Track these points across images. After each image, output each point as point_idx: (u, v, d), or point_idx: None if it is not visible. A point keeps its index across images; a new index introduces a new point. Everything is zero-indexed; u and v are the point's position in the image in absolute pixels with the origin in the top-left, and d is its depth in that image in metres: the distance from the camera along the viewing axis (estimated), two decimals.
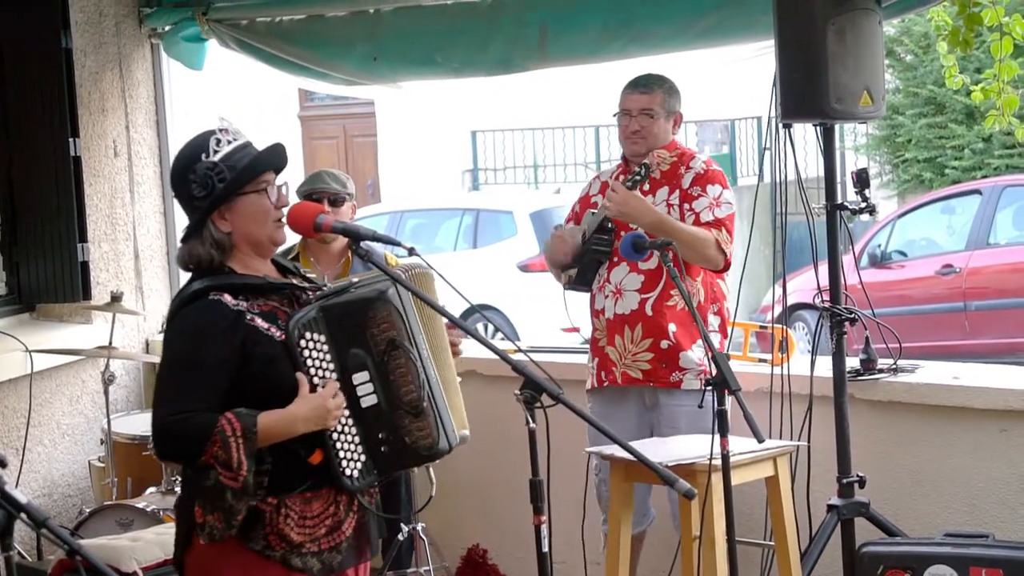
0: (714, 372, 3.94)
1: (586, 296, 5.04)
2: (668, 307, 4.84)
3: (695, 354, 4.83)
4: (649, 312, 4.84)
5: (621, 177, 4.94)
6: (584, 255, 4.92)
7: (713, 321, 4.90)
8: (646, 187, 4.86)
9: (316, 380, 3.20)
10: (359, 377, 3.23)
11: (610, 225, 4.87)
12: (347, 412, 3.23)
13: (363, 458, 3.23)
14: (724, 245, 4.79)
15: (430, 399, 3.25)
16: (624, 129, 4.98)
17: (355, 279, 3.41)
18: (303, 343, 3.20)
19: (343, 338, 3.22)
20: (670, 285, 4.81)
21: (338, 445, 3.21)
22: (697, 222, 4.80)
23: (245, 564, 3.20)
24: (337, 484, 3.23)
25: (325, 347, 3.22)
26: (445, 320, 3.45)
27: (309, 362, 3.20)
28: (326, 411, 3.17)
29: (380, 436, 3.23)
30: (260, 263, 3.33)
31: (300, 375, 3.19)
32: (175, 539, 3.34)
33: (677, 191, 4.88)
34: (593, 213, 4.93)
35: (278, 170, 3.36)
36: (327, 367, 3.22)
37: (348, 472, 3.22)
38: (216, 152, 3.27)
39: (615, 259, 4.89)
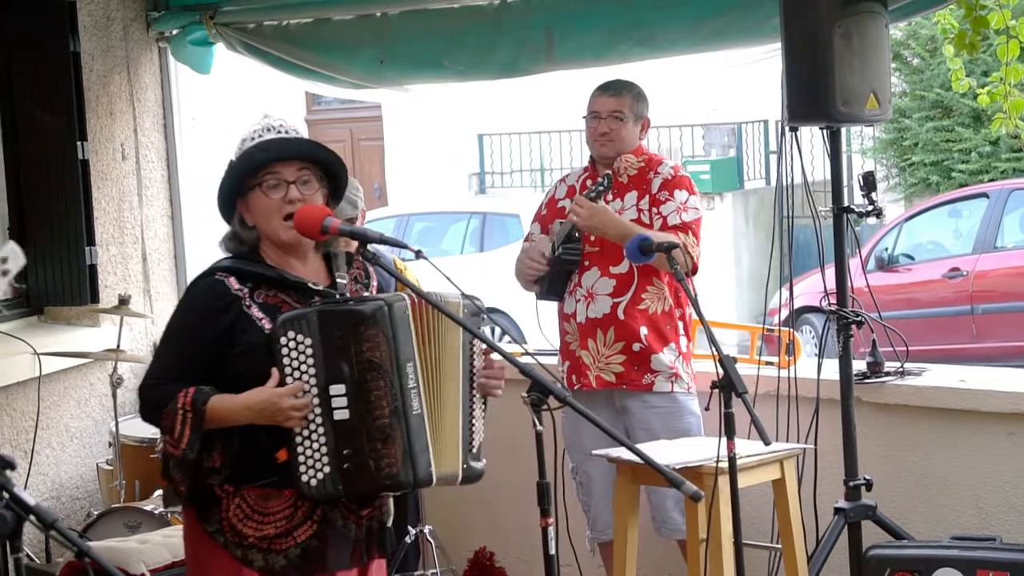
0: (718, 375, 3.94)
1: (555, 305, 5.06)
2: (640, 311, 4.86)
3: (666, 357, 4.87)
4: (621, 316, 4.86)
5: (589, 182, 4.96)
6: (554, 265, 4.95)
7: (679, 325, 4.92)
8: (610, 197, 4.87)
9: (290, 381, 3.19)
10: (336, 389, 3.18)
11: (577, 234, 4.91)
12: (319, 420, 3.19)
13: (327, 469, 3.18)
14: (691, 249, 4.79)
15: (402, 429, 3.18)
16: (593, 131, 5.01)
17: (366, 295, 3.38)
18: (284, 340, 3.18)
19: (330, 347, 3.18)
20: (642, 288, 4.87)
21: (300, 449, 3.19)
22: (664, 226, 4.82)
23: (199, 542, 3.30)
24: (295, 487, 3.21)
25: (310, 350, 3.19)
26: (472, 354, 3.35)
27: (286, 360, 3.18)
28: (276, 408, 3.17)
29: (345, 452, 3.17)
30: (292, 257, 3.33)
31: (274, 369, 3.19)
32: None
33: (647, 196, 4.90)
34: (561, 223, 4.94)
35: (324, 168, 3.33)
36: (306, 369, 3.19)
37: (306, 478, 3.18)
38: (240, 150, 3.33)
39: (586, 263, 4.93)
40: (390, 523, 3.40)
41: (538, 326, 5.09)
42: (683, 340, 4.92)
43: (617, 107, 4.97)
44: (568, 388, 4.95)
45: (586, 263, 4.93)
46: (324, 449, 3.18)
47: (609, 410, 4.94)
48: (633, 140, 5.00)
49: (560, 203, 5.09)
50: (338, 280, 3.38)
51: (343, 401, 3.18)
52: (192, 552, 3.37)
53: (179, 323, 3.34)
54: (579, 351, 4.95)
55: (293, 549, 3.25)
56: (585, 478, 4.99)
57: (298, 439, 3.19)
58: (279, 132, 3.33)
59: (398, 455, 3.17)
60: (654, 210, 4.88)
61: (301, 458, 3.19)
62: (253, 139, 3.32)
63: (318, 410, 3.19)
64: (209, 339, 3.24)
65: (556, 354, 5.29)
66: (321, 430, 3.19)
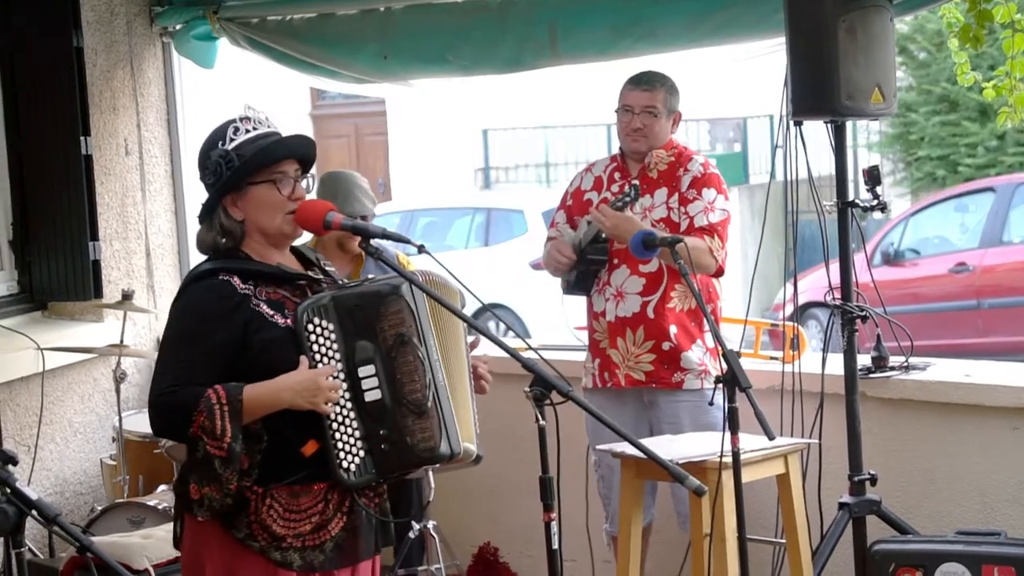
0: (723, 370, 3.93)
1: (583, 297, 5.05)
2: (668, 309, 4.86)
3: (695, 354, 4.87)
4: (651, 315, 4.86)
5: (616, 175, 4.94)
6: (581, 263, 4.94)
7: (704, 321, 4.90)
8: (636, 208, 4.84)
9: (319, 367, 3.18)
10: (365, 370, 3.19)
11: (604, 235, 4.89)
12: (349, 405, 3.19)
13: (362, 453, 3.19)
14: (716, 252, 4.79)
15: (435, 401, 3.20)
16: (625, 126, 4.97)
17: (372, 276, 3.40)
18: (310, 327, 3.18)
19: (352, 329, 3.20)
20: (670, 287, 4.85)
21: (337, 436, 3.18)
22: (691, 226, 4.81)
23: (227, 550, 3.21)
24: (333, 477, 3.19)
25: (333, 335, 3.20)
26: (466, 339, 3.41)
27: (315, 347, 3.19)
28: (316, 387, 3.15)
29: (382, 433, 3.17)
30: (276, 253, 3.33)
31: (303, 357, 3.17)
32: (173, 521, 3.37)
33: (676, 194, 4.89)
34: (589, 222, 4.92)
35: (305, 163, 3.35)
36: (333, 355, 3.20)
37: (345, 466, 3.18)
38: (232, 140, 3.28)
39: (615, 261, 4.91)
40: (432, 498, 3.43)
41: (566, 323, 5.09)
42: (709, 336, 4.89)
43: (650, 102, 4.93)
44: (601, 385, 4.96)
45: (615, 261, 4.92)
46: (358, 434, 3.18)
47: (637, 406, 4.94)
48: (665, 135, 4.98)
49: (586, 195, 5.07)
50: (328, 269, 3.40)
51: (374, 382, 3.19)
52: (210, 560, 3.25)
53: (189, 327, 3.23)
54: (608, 350, 4.94)
55: (328, 543, 3.24)
56: (607, 471, 4.98)
57: (333, 427, 3.18)
58: (269, 127, 3.33)
59: (434, 427, 3.19)
60: (682, 209, 4.87)
61: (339, 444, 3.18)
62: (248, 132, 3.28)
63: (348, 395, 3.19)
64: (224, 340, 3.18)
65: (561, 349, 5.30)
66: (353, 415, 3.19)
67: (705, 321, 4.88)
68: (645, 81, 4.97)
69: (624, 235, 4.76)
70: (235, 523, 3.19)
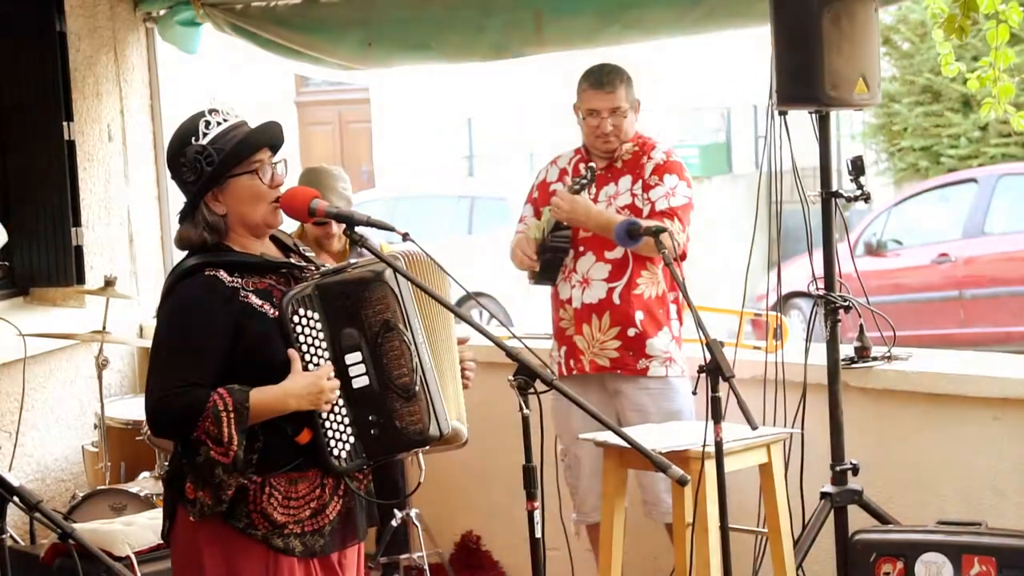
0: (706, 359, 3.93)
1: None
2: (635, 295, 4.87)
3: (660, 341, 4.87)
4: (616, 300, 4.86)
5: (582, 166, 4.94)
6: (545, 251, 4.95)
7: (672, 309, 4.93)
8: (593, 190, 4.86)
9: (308, 357, 3.19)
10: (352, 357, 3.21)
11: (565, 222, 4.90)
12: (338, 392, 3.21)
13: (352, 440, 3.22)
14: (676, 235, 4.77)
15: (423, 384, 3.23)
16: (595, 129, 4.93)
17: (353, 261, 3.41)
18: (296, 319, 3.19)
19: (337, 317, 3.21)
20: (636, 273, 4.87)
21: (327, 425, 3.20)
22: (653, 211, 4.83)
23: (227, 542, 3.20)
24: (324, 465, 3.21)
25: (319, 325, 3.20)
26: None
27: (301, 339, 3.19)
28: (320, 390, 3.17)
29: (371, 419, 3.21)
30: (257, 243, 3.32)
31: (292, 351, 3.18)
32: (163, 515, 3.35)
33: (640, 181, 4.90)
34: (550, 210, 4.93)
35: (274, 148, 3.33)
36: (320, 345, 3.20)
37: (336, 453, 3.20)
38: (205, 135, 3.25)
39: (580, 249, 4.92)
40: (422, 479, 3.43)
41: (526, 313, 5.10)
42: (675, 324, 4.93)
43: (616, 103, 4.90)
44: (566, 373, 4.96)
45: (581, 248, 4.93)
46: (347, 420, 3.21)
47: (601, 394, 4.94)
48: (632, 127, 4.98)
49: (552, 186, 5.07)
50: (307, 254, 3.40)
51: (360, 368, 3.21)
52: (208, 552, 3.22)
53: (184, 326, 3.19)
54: (574, 336, 4.94)
55: (327, 527, 3.26)
56: (573, 460, 4.99)
57: (323, 415, 3.19)
58: (237, 117, 3.30)
59: (423, 410, 3.23)
60: (644, 195, 4.88)
61: (330, 434, 3.20)
62: (219, 124, 3.25)
63: (339, 384, 3.21)
64: (219, 336, 3.16)
65: (544, 338, 5.29)
66: (342, 402, 3.21)
67: (683, 310, 4.90)
68: (605, 82, 4.90)
69: (581, 218, 4.81)
70: (234, 514, 3.19)
